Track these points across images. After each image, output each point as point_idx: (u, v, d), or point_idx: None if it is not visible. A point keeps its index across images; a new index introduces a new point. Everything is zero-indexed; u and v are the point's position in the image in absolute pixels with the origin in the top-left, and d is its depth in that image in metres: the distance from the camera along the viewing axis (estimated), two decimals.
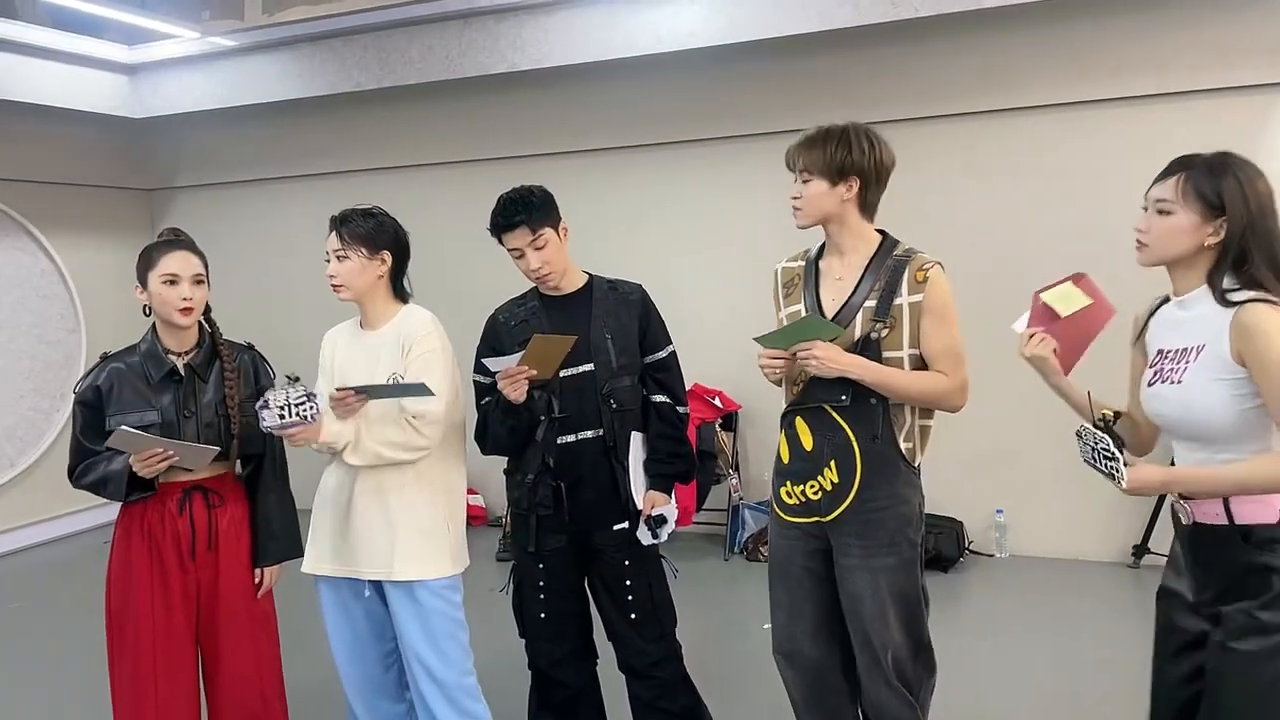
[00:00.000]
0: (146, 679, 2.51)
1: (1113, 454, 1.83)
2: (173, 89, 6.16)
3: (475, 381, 2.73)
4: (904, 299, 2.30)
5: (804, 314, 2.40)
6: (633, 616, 2.69)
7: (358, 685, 2.73)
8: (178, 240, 2.55)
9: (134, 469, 2.38)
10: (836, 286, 2.39)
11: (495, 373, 2.51)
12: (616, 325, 2.68)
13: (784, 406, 2.48)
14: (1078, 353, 2.06)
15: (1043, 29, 4.75)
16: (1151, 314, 2.08)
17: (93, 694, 3.14)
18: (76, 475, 2.53)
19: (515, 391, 2.48)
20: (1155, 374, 1.96)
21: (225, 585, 2.58)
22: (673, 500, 2.74)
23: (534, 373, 2.47)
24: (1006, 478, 5.06)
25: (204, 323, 2.62)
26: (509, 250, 2.64)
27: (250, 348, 2.70)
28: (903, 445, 2.35)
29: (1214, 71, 4.53)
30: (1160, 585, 2.06)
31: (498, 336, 2.72)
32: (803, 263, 2.49)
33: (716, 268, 5.52)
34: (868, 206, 2.38)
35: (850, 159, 2.29)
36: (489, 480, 5.51)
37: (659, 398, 2.74)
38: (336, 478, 2.64)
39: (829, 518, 2.37)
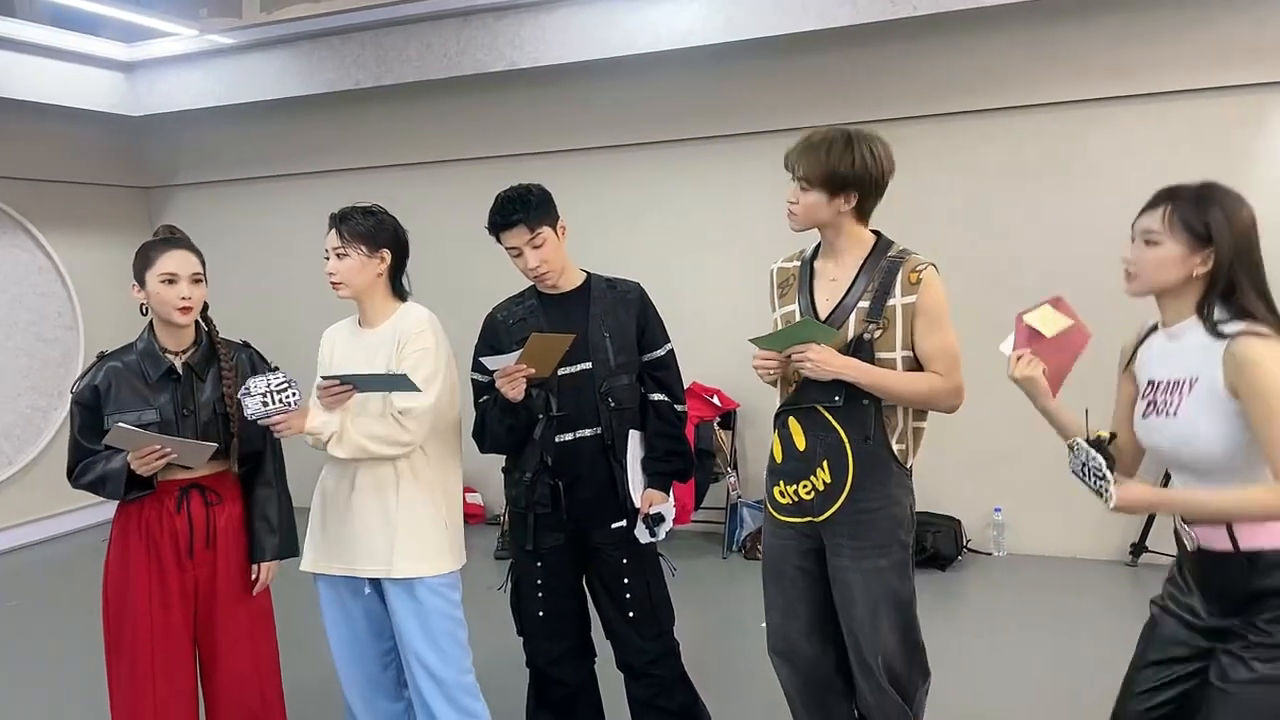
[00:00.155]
0: (145, 678, 2.50)
1: (1103, 473, 1.85)
2: (171, 87, 6.16)
3: (473, 380, 2.73)
4: (897, 300, 2.30)
5: (798, 314, 2.40)
6: (630, 615, 2.69)
7: (356, 684, 2.73)
8: (175, 239, 2.55)
9: (132, 467, 2.38)
10: (831, 287, 2.39)
11: (493, 371, 2.51)
12: (614, 324, 2.68)
13: (777, 407, 2.48)
14: (1063, 374, 2.07)
15: (1041, 27, 4.75)
16: (1140, 343, 2.07)
17: (91, 692, 3.14)
18: (75, 475, 2.52)
19: (513, 390, 2.48)
20: (1149, 405, 1.97)
21: (223, 583, 2.58)
22: (671, 499, 2.74)
23: (532, 371, 2.47)
24: (1005, 476, 5.07)
25: (201, 321, 2.61)
26: (507, 249, 2.63)
27: (246, 346, 2.70)
28: (895, 446, 2.35)
29: (1212, 70, 4.53)
30: (1160, 596, 2.05)
31: (496, 335, 2.72)
32: (798, 263, 2.49)
33: (715, 266, 5.52)
34: (864, 214, 2.38)
35: (852, 173, 2.27)
36: (487, 478, 5.52)
37: (657, 396, 2.74)
38: (335, 476, 2.64)
39: (821, 518, 2.37)
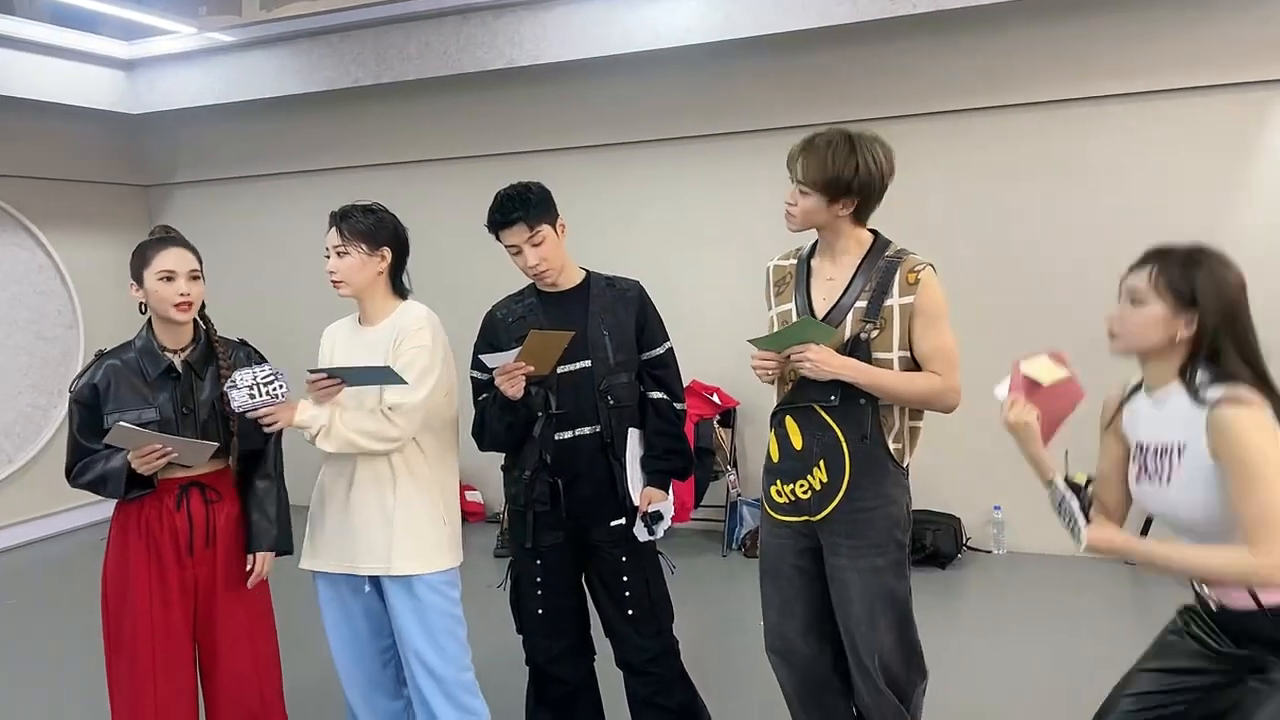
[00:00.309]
0: (145, 676, 2.50)
1: (1076, 515, 1.85)
2: (170, 85, 6.16)
3: (473, 378, 2.73)
4: (894, 300, 2.30)
5: (795, 313, 2.40)
6: (630, 612, 2.69)
7: (356, 682, 2.73)
8: (171, 237, 2.55)
9: (133, 466, 2.38)
10: (828, 286, 2.39)
11: (492, 369, 2.51)
12: (614, 322, 2.68)
13: (774, 405, 2.48)
14: (1054, 427, 2.03)
15: (1040, 25, 4.75)
16: (1123, 402, 2.05)
17: (91, 691, 3.14)
18: (74, 474, 2.52)
19: (512, 387, 2.48)
20: (1140, 470, 1.96)
21: (223, 581, 2.58)
22: (670, 497, 2.74)
23: (531, 369, 2.47)
24: (1004, 475, 5.03)
25: (199, 320, 2.61)
26: (506, 247, 2.63)
27: (243, 344, 2.69)
28: (891, 446, 2.35)
29: (1213, 69, 4.53)
30: (1186, 610, 2.02)
31: (495, 333, 2.72)
32: (794, 261, 2.49)
33: (715, 264, 5.52)
34: (863, 217, 2.38)
35: (854, 179, 2.26)
36: (487, 476, 5.52)
37: (656, 394, 2.74)
38: (333, 474, 2.64)
39: (818, 517, 2.38)
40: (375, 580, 2.62)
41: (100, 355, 2.56)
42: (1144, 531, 1.93)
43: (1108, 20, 4.65)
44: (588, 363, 2.63)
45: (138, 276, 2.50)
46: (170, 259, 2.48)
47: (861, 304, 2.32)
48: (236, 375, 2.40)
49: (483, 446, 2.73)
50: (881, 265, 2.34)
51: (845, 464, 2.33)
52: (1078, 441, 2.03)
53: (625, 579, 2.68)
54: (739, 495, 5.39)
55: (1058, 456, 2.01)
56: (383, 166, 6.23)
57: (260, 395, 2.39)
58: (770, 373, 2.37)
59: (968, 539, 5.09)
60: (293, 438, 2.59)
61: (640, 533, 2.66)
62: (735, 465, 5.48)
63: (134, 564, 2.51)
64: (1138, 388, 2.01)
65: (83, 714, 3.52)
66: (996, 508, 5.06)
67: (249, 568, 2.60)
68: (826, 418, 2.34)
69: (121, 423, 2.35)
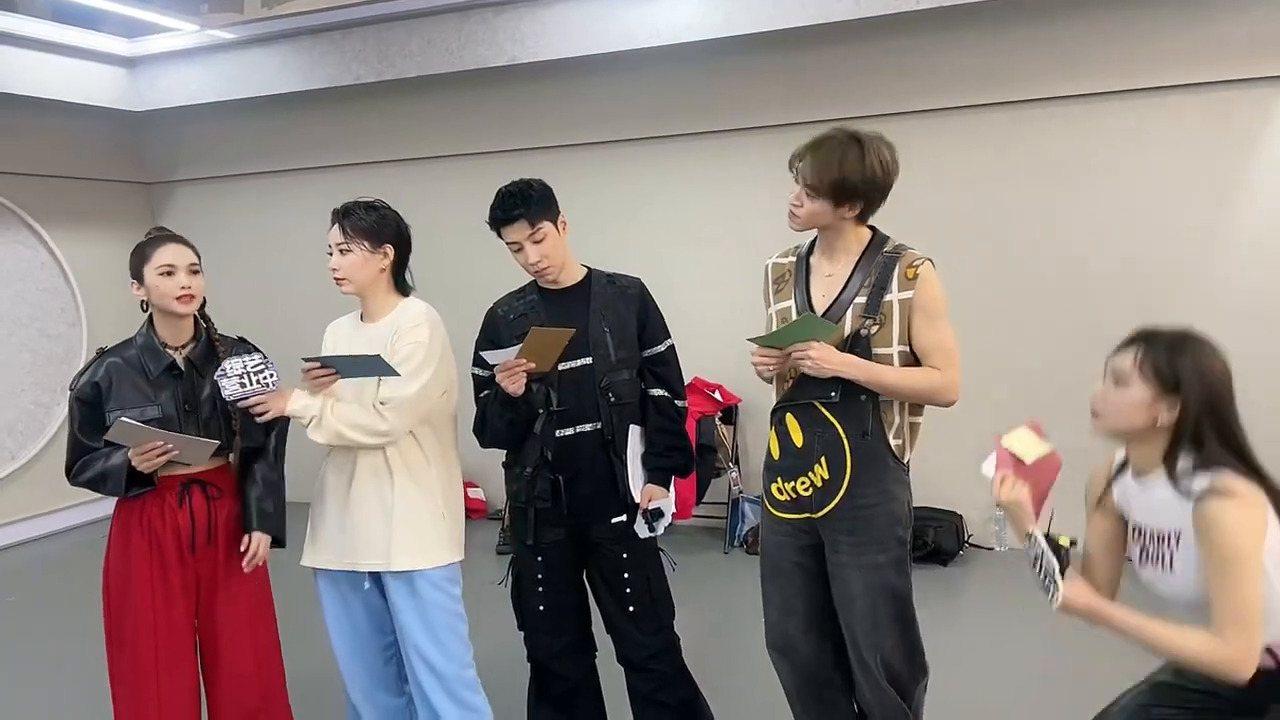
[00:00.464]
0: (148, 674, 2.51)
1: (1053, 575, 1.84)
2: (172, 82, 6.16)
3: (474, 375, 2.73)
4: (894, 295, 2.30)
5: (794, 310, 2.39)
6: (631, 609, 2.69)
7: (358, 678, 2.74)
8: (168, 234, 2.56)
9: (133, 463, 2.38)
10: (827, 283, 2.39)
11: (493, 366, 2.51)
12: (615, 319, 2.68)
13: (774, 402, 2.48)
14: (1041, 499, 2.03)
15: (1040, 22, 4.74)
16: (1111, 479, 2.02)
17: (93, 688, 3.15)
18: (74, 472, 2.52)
19: (513, 384, 2.48)
20: (1141, 552, 1.94)
21: (224, 578, 2.59)
22: (671, 494, 2.74)
23: (532, 365, 2.47)
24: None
25: (198, 317, 2.62)
26: (507, 244, 2.64)
27: (242, 341, 2.69)
28: (892, 442, 2.36)
29: (1213, 65, 4.52)
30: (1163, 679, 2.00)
31: (496, 330, 2.72)
32: (793, 259, 2.49)
33: (716, 261, 5.51)
34: (866, 218, 2.38)
35: (862, 183, 2.25)
36: (489, 473, 5.52)
37: (657, 391, 2.74)
38: (334, 471, 2.65)
39: (820, 514, 2.38)
40: (376, 577, 2.62)
41: (101, 353, 2.56)
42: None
43: (1108, 17, 4.64)
44: (589, 360, 2.63)
45: (137, 274, 2.51)
46: (169, 254, 2.49)
47: (861, 300, 2.31)
48: (227, 364, 2.41)
49: (484, 443, 2.73)
50: (880, 261, 2.33)
51: (846, 460, 2.34)
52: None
53: (626, 575, 2.68)
54: (741, 492, 5.39)
55: (1043, 514, 2.01)
56: (384, 164, 6.23)
57: (251, 384, 2.40)
58: (770, 369, 2.37)
59: (969, 536, 5.09)
60: (297, 436, 2.60)
61: (641, 529, 2.67)
62: (737, 462, 5.48)
63: (136, 561, 2.51)
64: (1124, 464, 1.99)
65: (85, 711, 3.52)
66: (998, 505, 5.05)
67: (243, 548, 2.56)
68: (827, 414, 2.35)
69: (123, 418, 2.35)
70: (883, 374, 2.29)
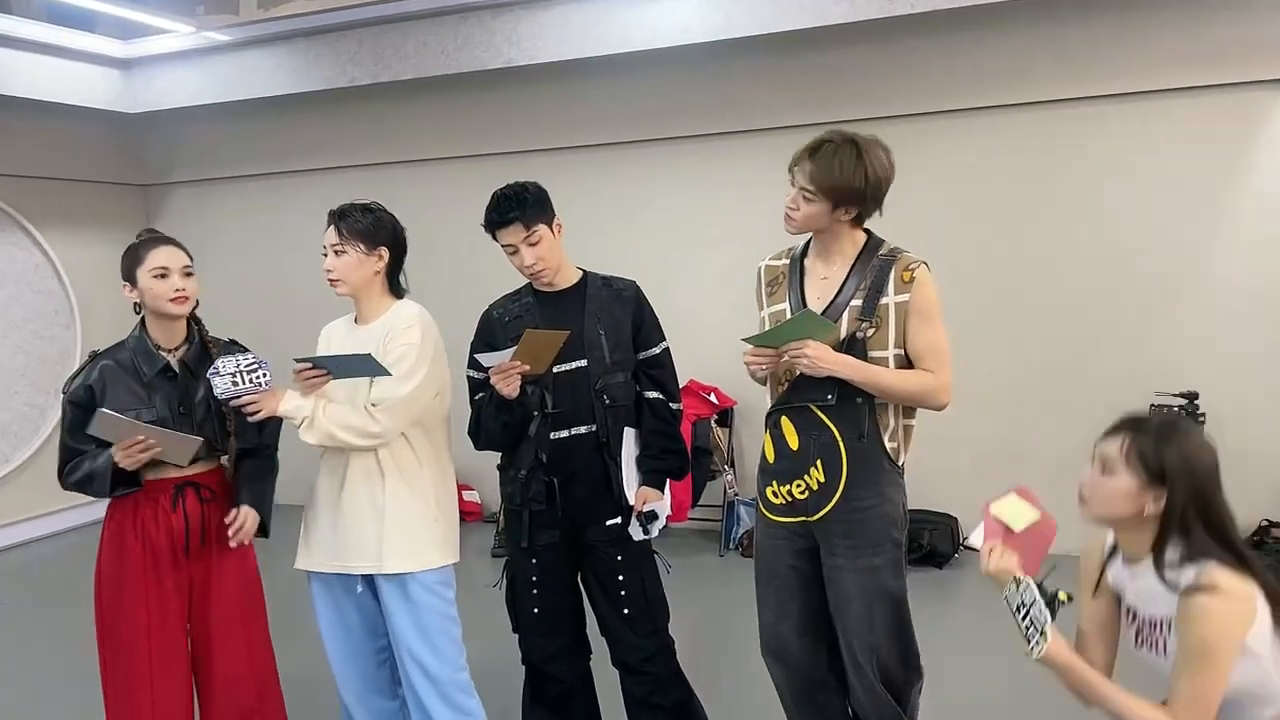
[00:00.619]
0: (141, 675, 2.50)
1: (1042, 627, 1.82)
2: (167, 84, 6.15)
3: (469, 377, 2.73)
4: (890, 298, 2.30)
5: (789, 313, 2.39)
6: (625, 612, 2.69)
7: (351, 682, 2.73)
8: (160, 237, 2.56)
9: (116, 460, 2.36)
10: (822, 285, 2.38)
11: (488, 368, 2.51)
12: (610, 321, 2.68)
13: (768, 406, 2.48)
14: (1035, 566, 2.01)
15: (1037, 25, 4.75)
16: (1105, 562, 2.01)
17: (87, 690, 3.14)
18: (65, 474, 2.51)
19: (508, 386, 2.48)
20: (1137, 636, 1.94)
21: (217, 580, 2.58)
22: (665, 496, 2.74)
23: (527, 368, 2.47)
24: (1001, 474, 5.04)
25: (190, 320, 2.61)
26: (503, 246, 2.63)
27: (233, 343, 2.69)
28: (888, 445, 2.36)
29: (1214, 68, 4.53)
30: None
31: (491, 332, 2.72)
32: (787, 261, 2.49)
33: (713, 263, 5.52)
34: (862, 221, 2.38)
35: (862, 187, 2.25)
36: (485, 476, 5.51)
37: (652, 394, 2.74)
38: (327, 474, 2.64)
39: (815, 517, 2.37)
40: (368, 580, 2.62)
41: (94, 356, 2.55)
42: None
43: (1108, 19, 4.66)
44: (584, 362, 2.63)
45: (130, 276, 2.50)
46: (163, 256, 2.49)
47: (857, 303, 2.31)
48: (219, 362, 2.41)
49: (479, 446, 2.73)
50: (876, 264, 2.33)
51: (842, 463, 2.33)
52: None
53: (621, 578, 2.68)
54: (736, 495, 5.39)
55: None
56: (381, 166, 6.22)
57: (243, 383, 2.40)
58: (764, 368, 2.36)
59: (964, 538, 5.09)
60: (290, 440, 2.59)
61: (635, 532, 2.67)
62: (732, 465, 5.48)
63: (130, 564, 2.50)
64: (1115, 548, 1.98)
65: (78, 713, 3.51)
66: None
67: (229, 519, 2.52)
68: (823, 417, 2.34)
69: (103, 410, 2.33)
70: (878, 375, 2.28)
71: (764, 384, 2.49)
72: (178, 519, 2.52)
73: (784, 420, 2.41)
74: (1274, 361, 4.55)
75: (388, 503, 2.55)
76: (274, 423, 2.59)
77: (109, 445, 2.40)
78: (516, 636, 2.79)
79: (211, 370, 2.40)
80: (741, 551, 5.21)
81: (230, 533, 2.52)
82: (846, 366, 2.26)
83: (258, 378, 2.41)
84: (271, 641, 2.74)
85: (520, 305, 2.72)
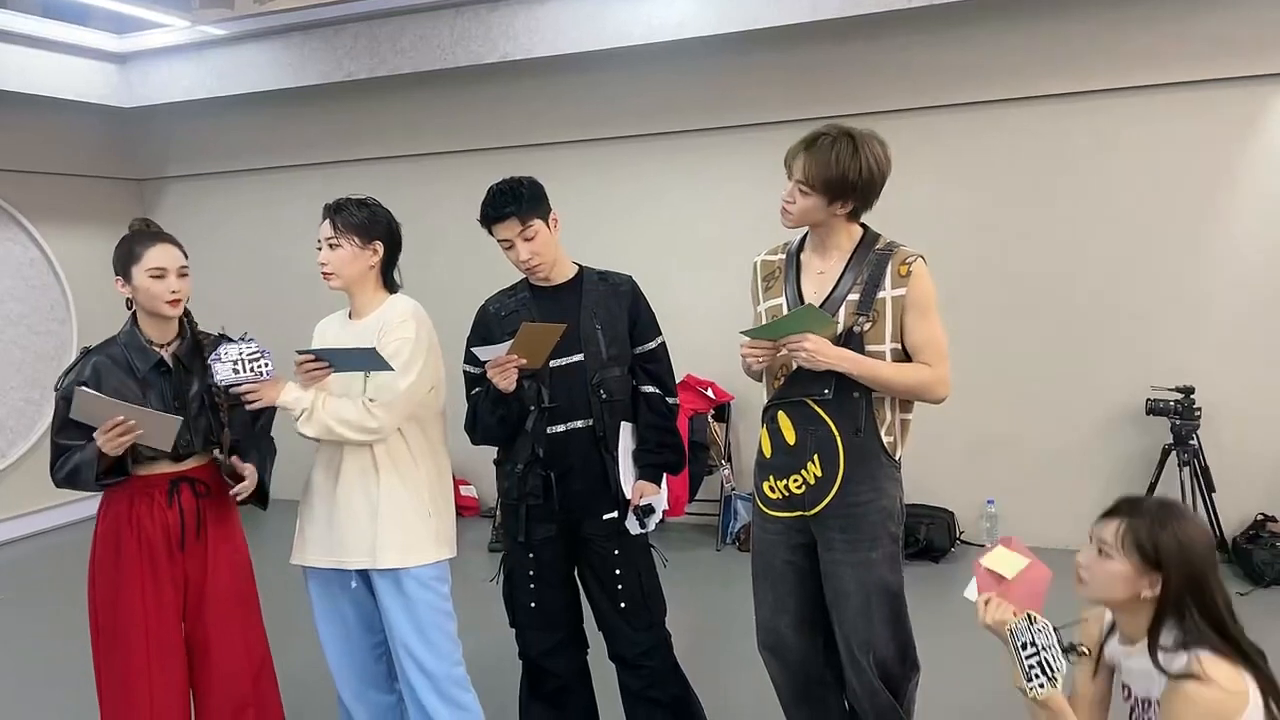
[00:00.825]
0: (139, 670, 2.50)
1: (1053, 670, 1.82)
2: (163, 78, 6.13)
3: (465, 371, 2.73)
4: (887, 293, 2.30)
5: (785, 307, 2.39)
6: (622, 606, 2.69)
7: (347, 677, 2.73)
8: (156, 233, 2.54)
9: (99, 444, 2.34)
10: (818, 280, 2.38)
11: (485, 362, 2.51)
12: (606, 316, 2.68)
13: (765, 401, 2.47)
14: (1036, 610, 2.04)
15: (1034, 19, 4.75)
16: (1104, 639, 2.02)
17: (81, 685, 3.13)
18: (55, 470, 2.49)
19: (504, 381, 2.48)
20: (1131, 714, 1.95)
21: (213, 574, 2.58)
22: (662, 490, 2.74)
23: (523, 362, 2.47)
24: (998, 468, 5.08)
25: (181, 315, 2.60)
26: (499, 241, 2.63)
27: (223, 336, 2.67)
28: (884, 439, 2.36)
29: (1212, 62, 4.53)
30: None
31: (487, 326, 2.71)
32: (783, 256, 2.49)
33: (710, 259, 5.51)
34: (858, 215, 2.38)
35: (858, 181, 2.25)
36: (482, 471, 5.52)
37: (648, 388, 2.74)
38: (322, 469, 2.64)
39: (812, 512, 2.37)
40: (364, 575, 2.62)
41: (86, 352, 2.55)
42: None
43: (1105, 13, 4.65)
44: (580, 356, 2.63)
45: (124, 272, 2.49)
46: (160, 256, 2.48)
47: (854, 297, 2.31)
48: (222, 349, 2.40)
49: (475, 440, 2.73)
50: (872, 258, 2.33)
51: (839, 458, 2.33)
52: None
53: (617, 572, 2.68)
54: (733, 489, 5.39)
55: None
56: (377, 160, 6.21)
57: (244, 371, 2.39)
58: (760, 362, 2.36)
59: (961, 533, 5.10)
60: (287, 436, 2.59)
61: (632, 526, 2.67)
62: (730, 459, 5.49)
63: (126, 559, 2.50)
64: (1112, 629, 1.99)
65: (72, 709, 3.51)
66: (990, 501, 5.07)
67: (231, 473, 2.52)
68: (820, 411, 2.34)
69: (82, 388, 2.31)
70: (877, 369, 2.28)
71: (758, 378, 2.48)
72: (173, 514, 2.52)
73: (781, 415, 2.41)
74: (1270, 355, 4.56)
75: (382, 498, 2.55)
76: (268, 416, 2.58)
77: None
78: (513, 631, 2.79)
79: (213, 356, 2.39)
80: (738, 546, 5.21)
81: (237, 490, 2.52)
82: (845, 360, 2.26)
83: (259, 366, 2.40)
84: (266, 633, 2.74)
85: (516, 300, 2.72)
